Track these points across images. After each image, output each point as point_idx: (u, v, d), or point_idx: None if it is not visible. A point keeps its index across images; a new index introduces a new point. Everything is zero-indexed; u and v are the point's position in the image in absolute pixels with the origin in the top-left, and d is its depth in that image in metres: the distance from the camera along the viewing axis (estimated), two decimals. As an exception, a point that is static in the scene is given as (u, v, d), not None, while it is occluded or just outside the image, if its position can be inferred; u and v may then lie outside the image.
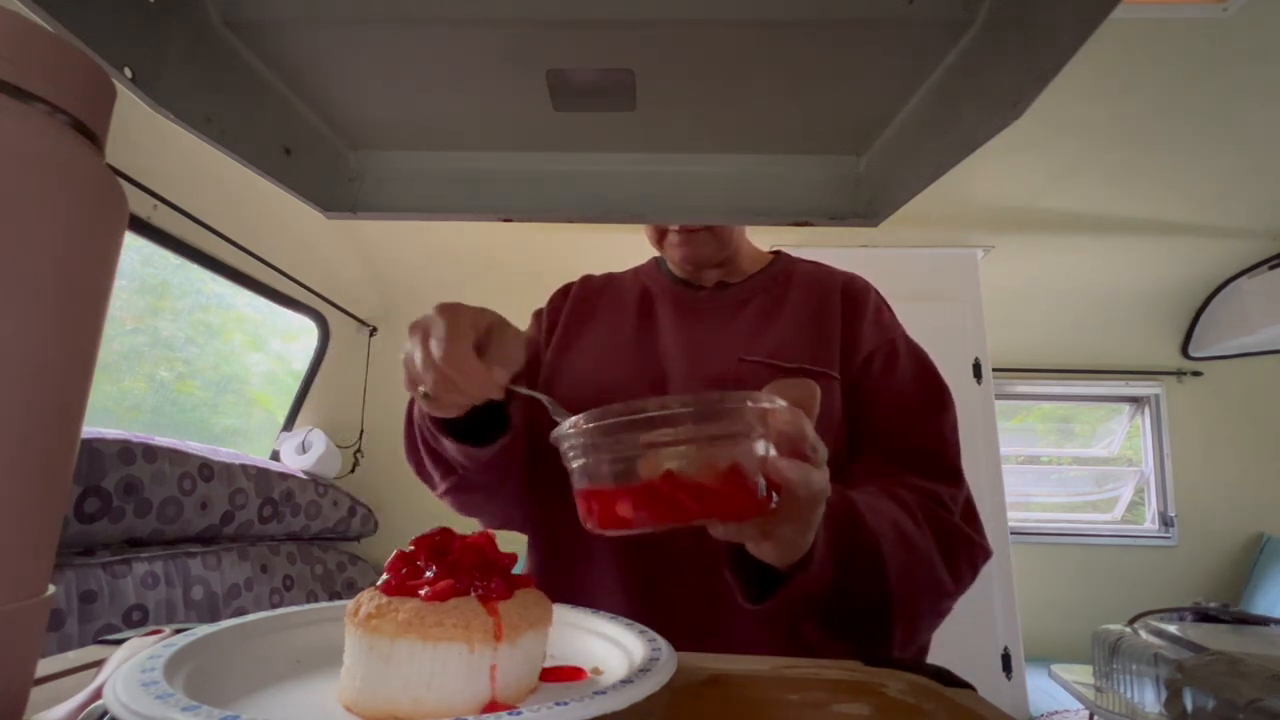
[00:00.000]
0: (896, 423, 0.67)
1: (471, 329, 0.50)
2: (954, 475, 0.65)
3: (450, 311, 0.50)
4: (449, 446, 0.60)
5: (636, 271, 0.86)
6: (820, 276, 0.79)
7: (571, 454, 0.41)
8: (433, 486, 0.68)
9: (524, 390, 0.52)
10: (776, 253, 0.85)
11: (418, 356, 0.50)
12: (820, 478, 0.41)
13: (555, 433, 0.41)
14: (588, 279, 0.86)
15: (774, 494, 0.39)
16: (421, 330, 0.50)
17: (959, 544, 0.60)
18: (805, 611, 0.50)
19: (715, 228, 0.74)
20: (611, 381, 0.72)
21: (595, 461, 0.39)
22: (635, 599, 0.64)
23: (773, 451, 0.39)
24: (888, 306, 0.77)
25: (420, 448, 0.65)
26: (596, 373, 0.73)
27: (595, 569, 0.66)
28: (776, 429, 0.40)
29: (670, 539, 0.63)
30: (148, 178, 1.37)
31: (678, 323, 0.76)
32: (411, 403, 0.64)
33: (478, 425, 0.59)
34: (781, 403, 0.40)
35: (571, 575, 0.67)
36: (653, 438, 0.37)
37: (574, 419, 0.39)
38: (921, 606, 0.55)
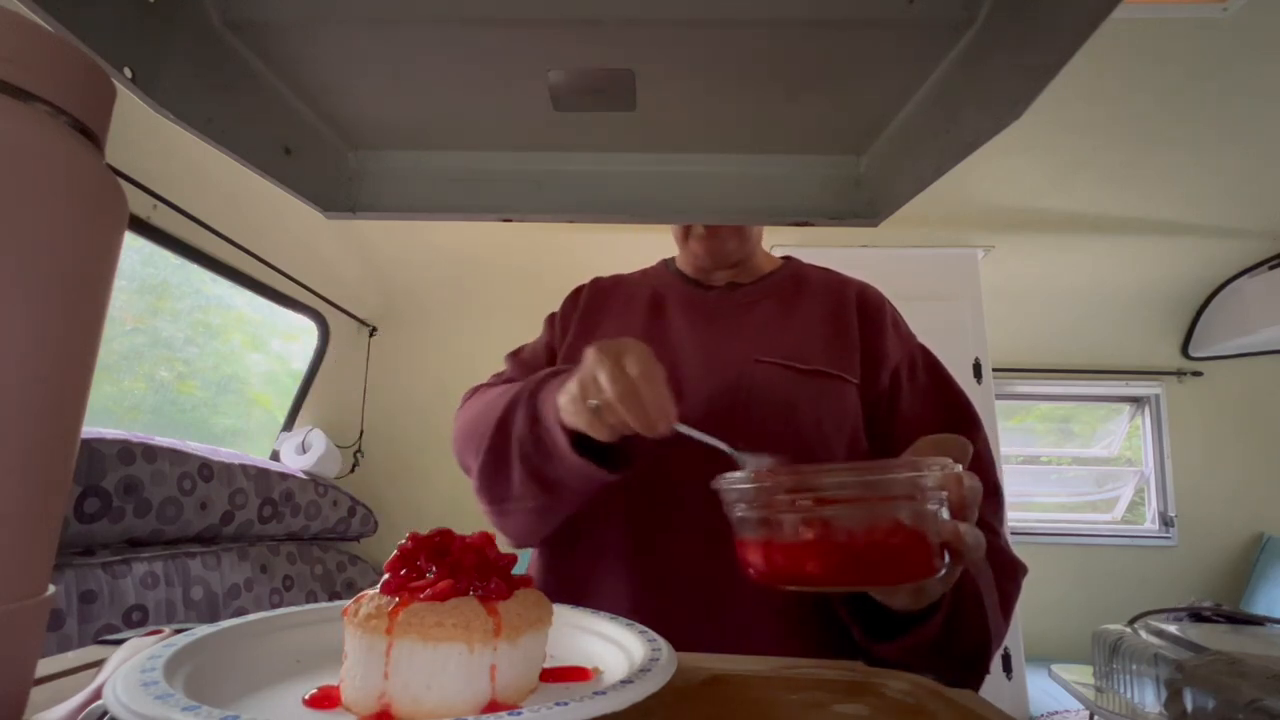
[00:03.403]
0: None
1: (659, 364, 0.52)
2: (996, 491, 0.66)
3: (643, 345, 0.52)
4: (572, 466, 0.57)
5: (645, 273, 0.87)
6: (834, 282, 0.79)
7: (746, 505, 0.42)
8: (500, 500, 0.65)
9: (695, 433, 0.52)
10: (786, 257, 0.85)
11: (605, 372, 0.50)
12: (982, 539, 0.42)
13: (736, 480, 0.42)
14: (597, 281, 0.86)
15: (945, 556, 0.40)
16: (614, 352, 0.51)
17: (1014, 570, 0.62)
18: (924, 651, 0.51)
19: (739, 226, 0.75)
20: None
21: (780, 516, 0.40)
22: (639, 592, 0.63)
23: (945, 514, 0.40)
24: (901, 316, 0.78)
25: (517, 465, 0.61)
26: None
27: (603, 564, 0.66)
28: (957, 495, 0.41)
29: (679, 534, 0.64)
30: (148, 178, 1.37)
31: (689, 322, 0.76)
32: (503, 421, 0.62)
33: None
34: (958, 467, 0.41)
35: (577, 570, 0.67)
36: (848, 494, 0.38)
37: (756, 469, 0.41)
38: (999, 639, 0.55)
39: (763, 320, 0.74)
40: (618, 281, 0.86)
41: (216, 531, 1.58)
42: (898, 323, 0.76)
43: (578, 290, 0.86)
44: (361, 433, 2.35)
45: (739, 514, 0.43)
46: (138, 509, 1.34)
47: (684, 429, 0.52)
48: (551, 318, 0.84)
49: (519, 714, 0.28)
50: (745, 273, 0.80)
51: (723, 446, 0.51)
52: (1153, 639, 1.03)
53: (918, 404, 0.70)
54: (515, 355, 0.83)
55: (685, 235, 0.79)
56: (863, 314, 0.73)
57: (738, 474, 0.43)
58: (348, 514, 2.07)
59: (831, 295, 0.76)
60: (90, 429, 1.30)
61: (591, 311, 0.81)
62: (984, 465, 0.65)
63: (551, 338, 0.82)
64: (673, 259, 0.87)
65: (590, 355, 0.52)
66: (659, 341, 0.74)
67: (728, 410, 0.66)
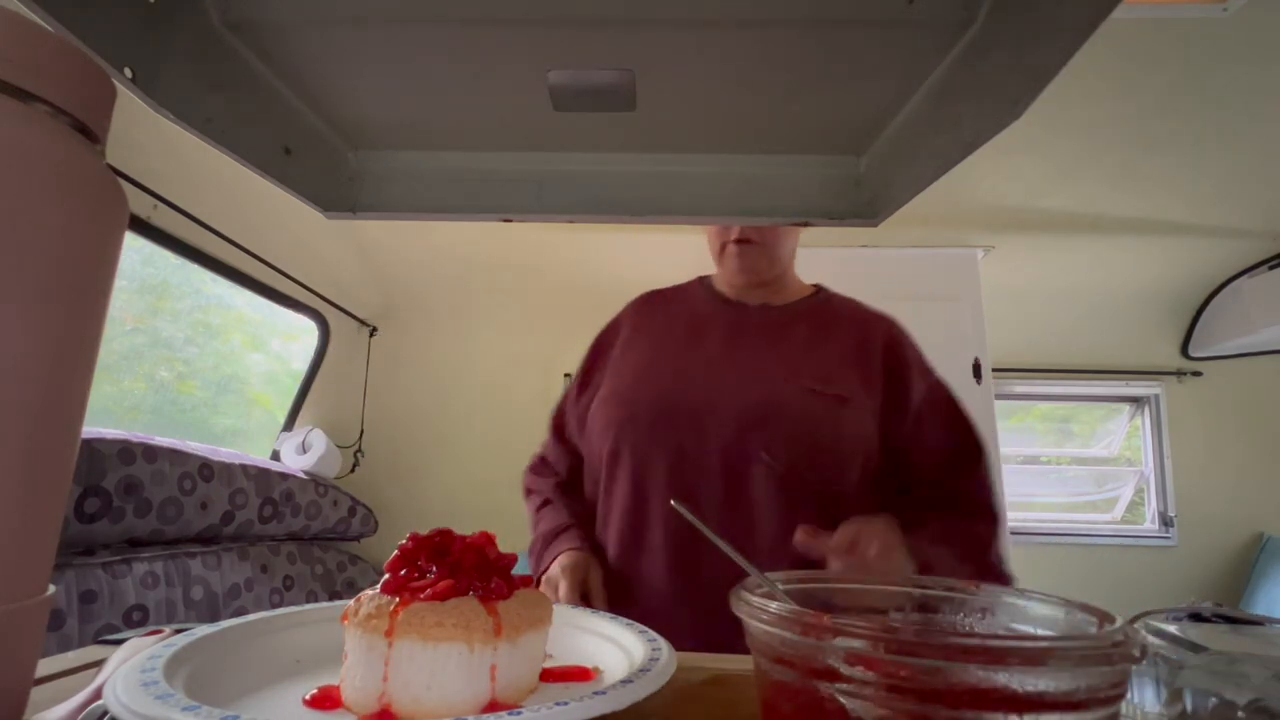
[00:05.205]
0: (946, 468, 0.77)
1: (578, 588, 0.70)
2: (995, 515, 0.75)
3: (567, 574, 0.71)
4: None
5: (686, 292, 0.92)
6: (862, 318, 0.85)
7: (815, 663, 0.25)
8: None
9: (696, 522, 0.43)
10: (817, 286, 0.91)
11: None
12: None
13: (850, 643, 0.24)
14: (645, 298, 0.93)
15: None
16: (551, 586, 0.71)
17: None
18: None
19: (768, 243, 0.82)
20: (651, 392, 0.78)
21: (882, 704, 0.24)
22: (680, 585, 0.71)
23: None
24: (919, 349, 0.84)
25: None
26: (635, 384, 0.80)
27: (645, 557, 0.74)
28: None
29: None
30: (148, 178, 1.37)
31: (725, 341, 0.82)
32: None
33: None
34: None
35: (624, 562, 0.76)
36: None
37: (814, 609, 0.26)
38: None
39: (794, 344, 0.80)
40: (661, 299, 0.92)
41: (217, 531, 1.58)
42: (921, 359, 0.82)
43: (630, 307, 0.93)
44: (361, 433, 2.35)
45: (782, 664, 0.27)
46: (138, 509, 1.34)
47: (686, 513, 0.42)
48: (592, 355, 0.91)
49: (519, 714, 0.28)
50: (778, 294, 0.86)
51: (728, 549, 0.39)
52: (1153, 639, 1.03)
53: (936, 439, 0.77)
54: (557, 432, 0.92)
55: (722, 249, 0.84)
56: (889, 351, 0.80)
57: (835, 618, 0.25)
58: (348, 514, 2.07)
59: (861, 330, 0.82)
60: (90, 429, 1.30)
61: (638, 329, 0.88)
62: (987, 493, 0.75)
63: (583, 383, 0.88)
64: (710, 278, 0.93)
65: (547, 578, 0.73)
66: (694, 357, 0.81)
67: (755, 424, 0.72)
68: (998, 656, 0.22)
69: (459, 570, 0.36)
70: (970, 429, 0.78)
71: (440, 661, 0.33)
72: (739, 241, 0.82)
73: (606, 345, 0.89)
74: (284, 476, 1.82)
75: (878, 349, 0.80)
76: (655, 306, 0.91)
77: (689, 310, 0.87)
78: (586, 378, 0.88)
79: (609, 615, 0.47)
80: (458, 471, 2.39)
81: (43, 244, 0.27)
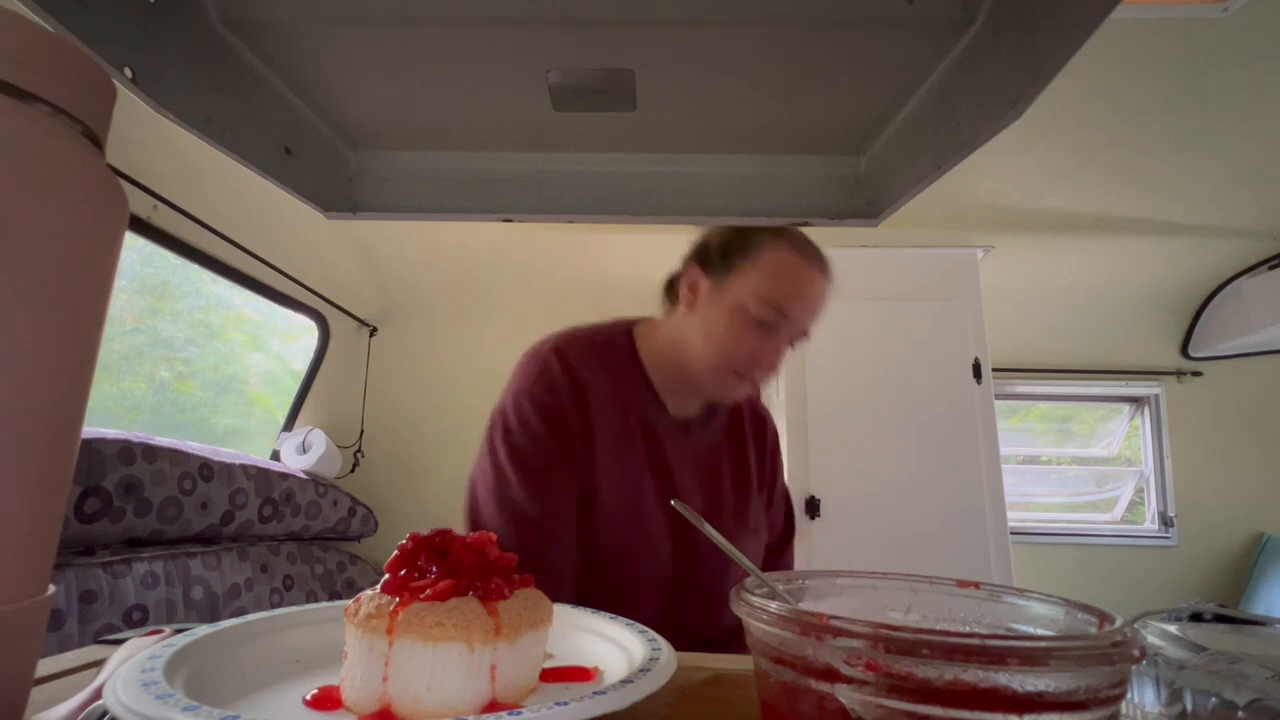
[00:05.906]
0: (779, 539, 0.95)
1: None
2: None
3: None
4: None
5: (624, 372, 0.82)
6: (758, 416, 0.93)
7: (830, 669, 0.25)
8: None
9: (704, 525, 0.44)
10: None
11: None
12: None
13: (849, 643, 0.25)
14: (587, 382, 0.80)
15: None
16: None
17: None
18: None
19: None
20: (646, 533, 0.78)
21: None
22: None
23: None
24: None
25: None
26: (633, 520, 0.78)
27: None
28: None
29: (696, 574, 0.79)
30: (148, 178, 1.37)
31: (686, 471, 0.83)
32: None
33: None
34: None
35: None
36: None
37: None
38: None
39: (731, 476, 0.87)
40: (604, 386, 0.80)
41: (216, 531, 1.58)
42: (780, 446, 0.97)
43: (562, 378, 0.79)
44: (361, 433, 2.35)
45: (782, 664, 0.27)
46: (138, 509, 1.34)
47: (688, 513, 0.42)
48: (550, 411, 0.76)
49: (519, 714, 0.28)
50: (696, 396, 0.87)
51: (729, 548, 0.40)
52: (1153, 639, 1.03)
53: (780, 515, 0.95)
54: (541, 504, 0.75)
55: (724, 372, 0.76)
56: (774, 453, 0.94)
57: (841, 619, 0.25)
58: (348, 514, 2.07)
59: (759, 435, 0.92)
60: (90, 429, 1.30)
61: (599, 428, 0.77)
62: (791, 561, 0.96)
63: (560, 446, 0.76)
64: (637, 346, 0.83)
65: None
66: (666, 490, 0.80)
67: (712, 575, 0.81)
68: (998, 656, 0.22)
69: (459, 570, 0.36)
70: (791, 507, 0.97)
71: (440, 661, 0.33)
72: (745, 377, 0.77)
73: (567, 438, 0.76)
74: (284, 476, 1.82)
75: (769, 452, 0.92)
76: (605, 398, 0.80)
77: (640, 425, 0.81)
78: (543, 465, 0.75)
79: (609, 615, 0.47)
80: (458, 471, 2.38)
81: (43, 244, 0.27)
